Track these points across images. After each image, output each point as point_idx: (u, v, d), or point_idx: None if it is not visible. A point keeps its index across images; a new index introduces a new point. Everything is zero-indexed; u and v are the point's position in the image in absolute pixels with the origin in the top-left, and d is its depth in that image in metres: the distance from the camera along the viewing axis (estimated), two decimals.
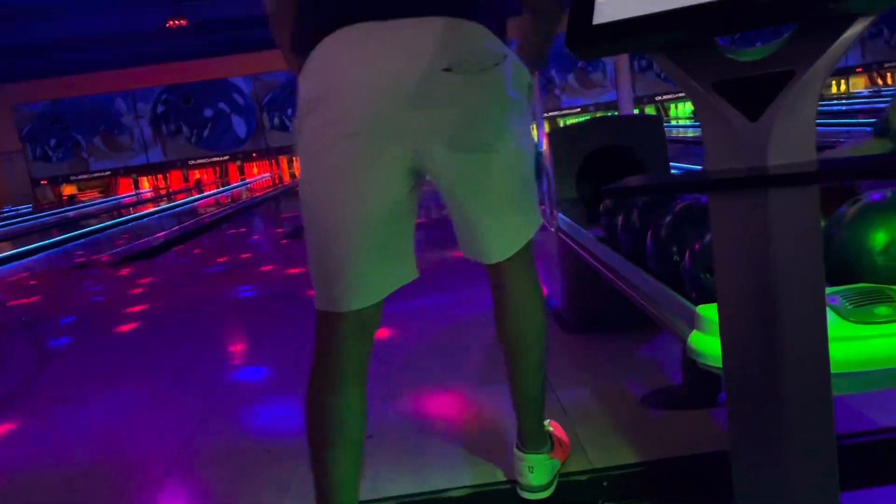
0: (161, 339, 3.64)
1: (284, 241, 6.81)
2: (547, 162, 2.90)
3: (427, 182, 1.36)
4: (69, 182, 21.02)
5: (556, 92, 20.95)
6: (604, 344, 2.61)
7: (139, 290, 5.06)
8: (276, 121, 19.41)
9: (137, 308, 4.38)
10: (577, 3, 0.94)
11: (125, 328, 3.93)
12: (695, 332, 1.32)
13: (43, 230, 11.19)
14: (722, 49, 0.90)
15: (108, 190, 20.93)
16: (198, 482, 2.00)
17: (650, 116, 3.84)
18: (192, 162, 20.63)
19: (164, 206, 13.96)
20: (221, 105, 19.80)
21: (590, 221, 2.50)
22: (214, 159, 20.30)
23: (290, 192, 12.67)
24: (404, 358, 2.75)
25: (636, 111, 18.18)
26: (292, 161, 18.90)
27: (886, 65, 20.51)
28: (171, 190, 19.68)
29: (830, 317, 1.21)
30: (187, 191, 18.35)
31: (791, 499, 0.94)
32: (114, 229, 10.17)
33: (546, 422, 1.78)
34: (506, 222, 1.38)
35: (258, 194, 13.78)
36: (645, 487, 1.70)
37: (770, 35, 0.87)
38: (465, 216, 1.36)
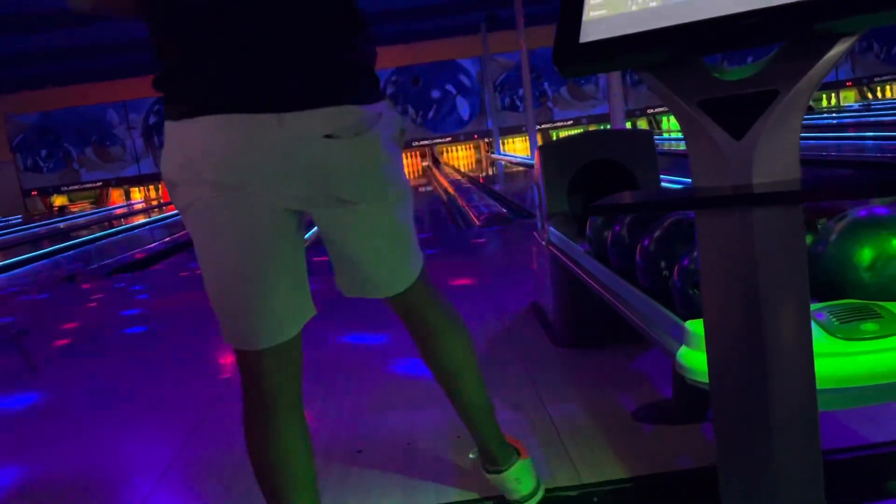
0: (151, 351, 3.62)
1: None
2: (538, 176, 2.91)
3: None
4: (60, 193, 20.96)
5: (549, 104, 21.06)
6: (595, 358, 2.60)
7: (130, 301, 5.04)
8: None
9: (127, 320, 4.36)
10: (564, 22, 0.94)
11: (115, 340, 3.91)
12: (683, 347, 1.33)
13: (33, 241, 11.14)
14: (707, 68, 0.91)
15: (99, 201, 20.88)
16: (188, 494, 1.98)
17: (641, 131, 3.86)
18: None
19: (155, 216, 13.92)
20: None
21: (581, 235, 2.50)
22: None
23: None
24: (393, 372, 2.74)
25: (628, 124, 18.31)
26: None
27: (876, 79, 20.71)
28: (162, 201, 19.64)
29: (818, 333, 1.21)
30: None
31: None
32: (104, 240, 10.14)
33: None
34: (390, 262, 1.40)
35: None
36: (635, 503, 1.70)
37: (764, 50, 0.88)
38: (350, 258, 1.36)
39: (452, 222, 7.44)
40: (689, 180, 0.95)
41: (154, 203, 19.38)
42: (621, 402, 2.22)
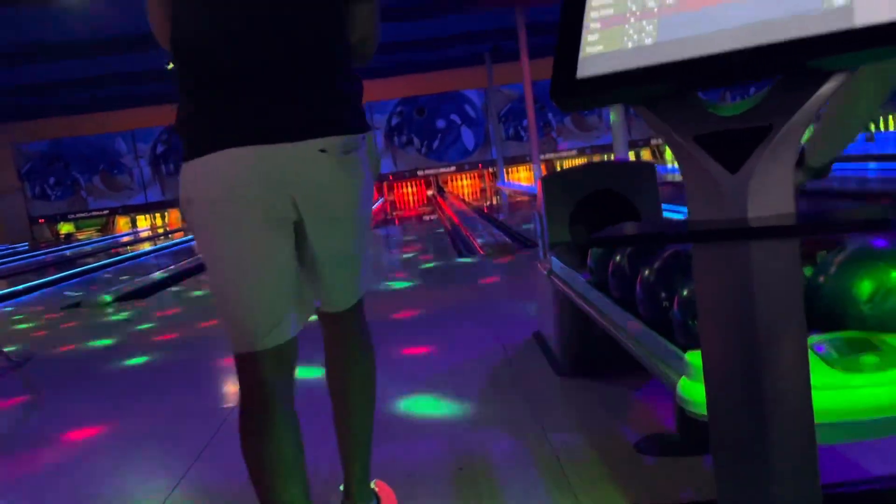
0: (152, 379, 3.61)
1: None
2: (540, 206, 2.92)
3: None
4: (67, 220, 21.08)
5: (553, 134, 21.20)
6: (597, 388, 2.60)
7: (133, 329, 5.04)
8: None
9: (129, 347, 4.36)
10: (561, 57, 0.96)
11: (116, 368, 3.91)
12: (683, 378, 1.33)
13: (39, 269, 11.18)
14: (702, 103, 0.92)
15: (105, 229, 20.98)
16: None
17: (642, 163, 3.89)
18: None
19: (161, 244, 13.97)
20: None
21: (583, 265, 2.51)
22: None
23: None
24: (395, 402, 2.73)
25: (631, 154, 18.37)
26: None
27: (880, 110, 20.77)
28: (168, 229, 19.73)
29: (818, 365, 1.21)
30: (185, 229, 18.41)
31: None
32: (110, 268, 10.17)
33: (372, 482, 1.79)
34: (349, 275, 1.58)
35: None
36: None
37: (768, 81, 0.89)
38: (317, 266, 1.52)
39: (456, 251, 7.45)
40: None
41: (160, 231, 19.47)
42: (623, 433, 2.21)
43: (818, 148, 1.53)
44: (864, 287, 1.33)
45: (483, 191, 19.91)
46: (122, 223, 21.26)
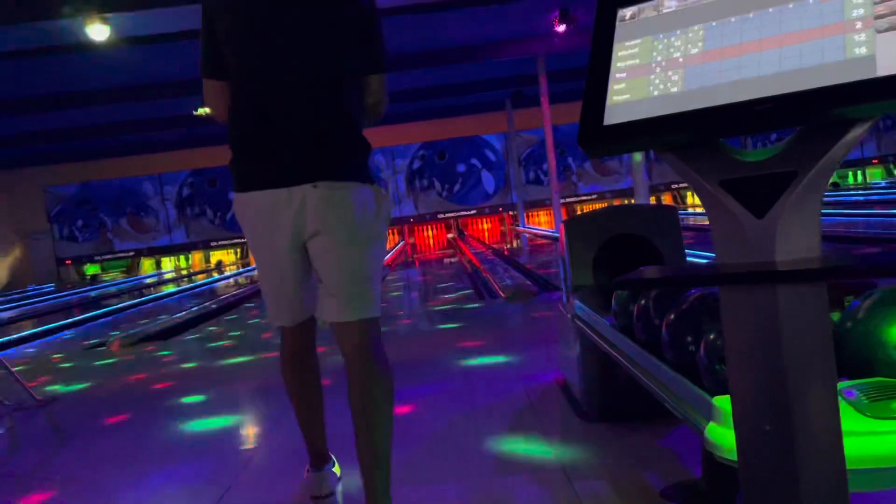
0: (175, 421, 3.63)
1: None
2: (563, 250, 2.93)
3: None
4: (93, 262, 21.39)
5: (574, 178, 21.29)
6: (622, 433, 2.57)
7: (156, 370, 5.07)
8: None
9: (154, 388, 4.39)
10: (589, 105, 0.99)
11: (142, 408, 3.93)
12: (711, 423, 1.32)
13: (65, 310, 11.32)
14: (728, 149, 0.94)
15: (130, 270, 21.25)
16: None
17: (665, 206, 3.90)
18: (214, 243, 21.13)
19: (184, 286, 14.11)
20: None
21: (606, 308, 2.51)
22: (235, 241, 20.74)
23: None
24: (416, 445, 2.72)
25: (652, 199, 18.36)
26: None
27: None
28: (192, 270, 19.93)
29: (847, 411, 1.20)
30: (207, 271, 18.58)
31: None
32: (132, 309, 10.27)
33: None
34: (348, 287, 1.95)
35: None
36: None
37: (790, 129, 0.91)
38: (324, 274, 1.99)
39: (477, 294, 7.45)
40: (714, 256, 0.98)
41: (184, 273, 19.68)
42: (649, 480, 2.18)
43: None
44: (893, 332, 1.32)
45: (503, 234, 19.96)
46: (147, 265, 21.53)
